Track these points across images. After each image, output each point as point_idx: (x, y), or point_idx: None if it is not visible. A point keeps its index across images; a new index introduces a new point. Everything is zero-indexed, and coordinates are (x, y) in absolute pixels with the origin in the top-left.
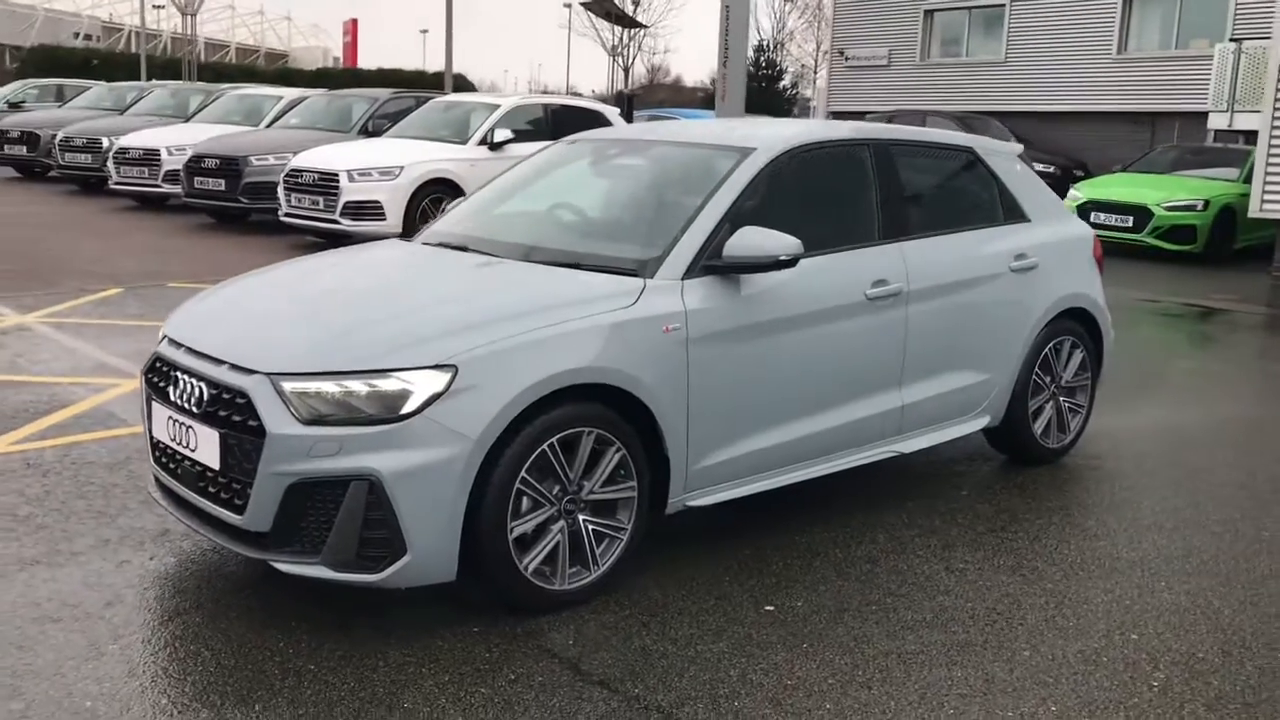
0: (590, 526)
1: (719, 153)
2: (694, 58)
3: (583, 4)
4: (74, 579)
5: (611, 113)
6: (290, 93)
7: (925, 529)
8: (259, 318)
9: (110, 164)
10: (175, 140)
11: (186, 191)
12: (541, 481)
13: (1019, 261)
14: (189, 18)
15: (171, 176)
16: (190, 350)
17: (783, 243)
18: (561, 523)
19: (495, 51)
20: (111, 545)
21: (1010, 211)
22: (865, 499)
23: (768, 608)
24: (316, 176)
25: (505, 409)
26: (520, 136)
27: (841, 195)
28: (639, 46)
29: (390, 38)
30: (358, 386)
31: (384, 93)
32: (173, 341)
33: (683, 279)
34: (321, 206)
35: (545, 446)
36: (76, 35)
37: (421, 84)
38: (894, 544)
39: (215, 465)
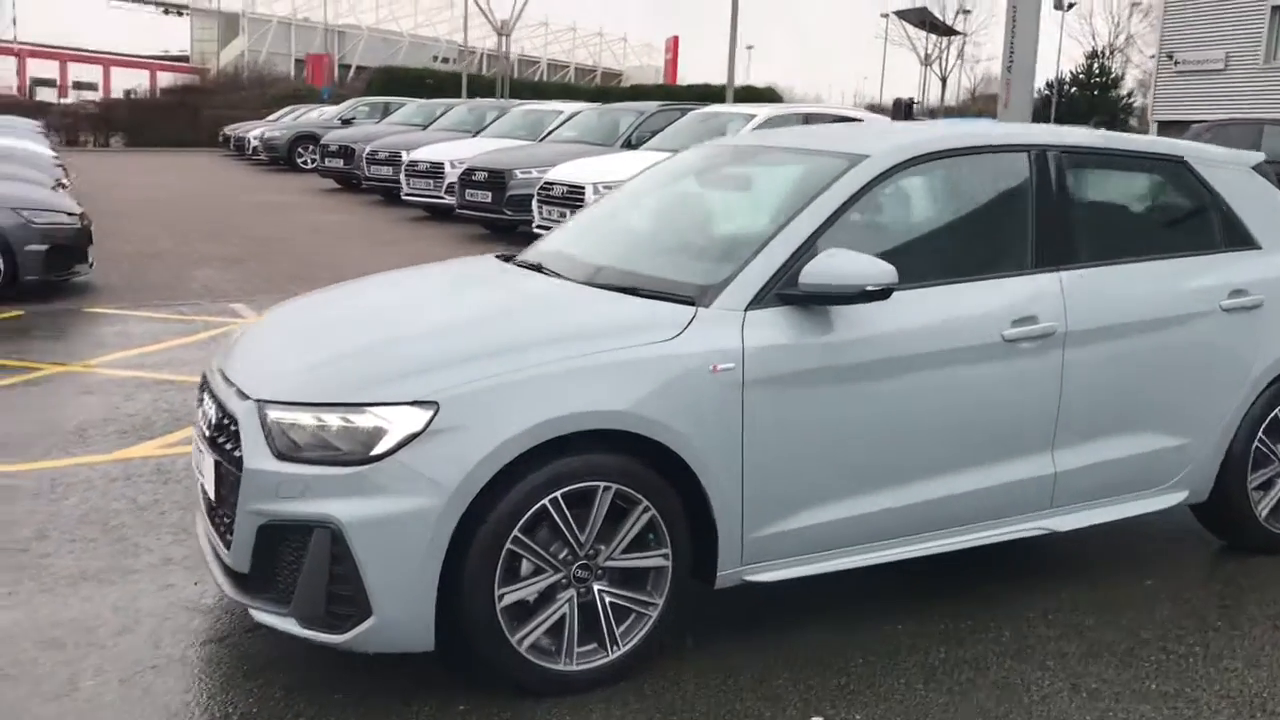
0: (608, 599)
1: (826, 160)
2: None
3: (897, 14)
4: (109, 600)
5: (870, 119)
6: (570, 107)
7: (1068, 629)
8: (288, 338)
9: (402, 176)
10: (457, 154)
11: (459, 203)
12: (543, 542)
13: (1236, 299)
14: (504, 38)
15: (452, 189)
16: (220, 371)
17: (872, 269)
18: (570, 592)
19: (822, 65)
20: (170, 566)
21: (1232, 236)
22: (1001, 579)
23: (816, 719)
24: (566, 190)
25: (492, 455)
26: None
27: (982, 213)
28: (959, 56)
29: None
30: (333, 421)
31: (651, 106)
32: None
33: (747, 309)
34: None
35: (547, 501)
36: (435, 58)
37: (745, 97)
38: (1017, 646)
39: (213, 495)
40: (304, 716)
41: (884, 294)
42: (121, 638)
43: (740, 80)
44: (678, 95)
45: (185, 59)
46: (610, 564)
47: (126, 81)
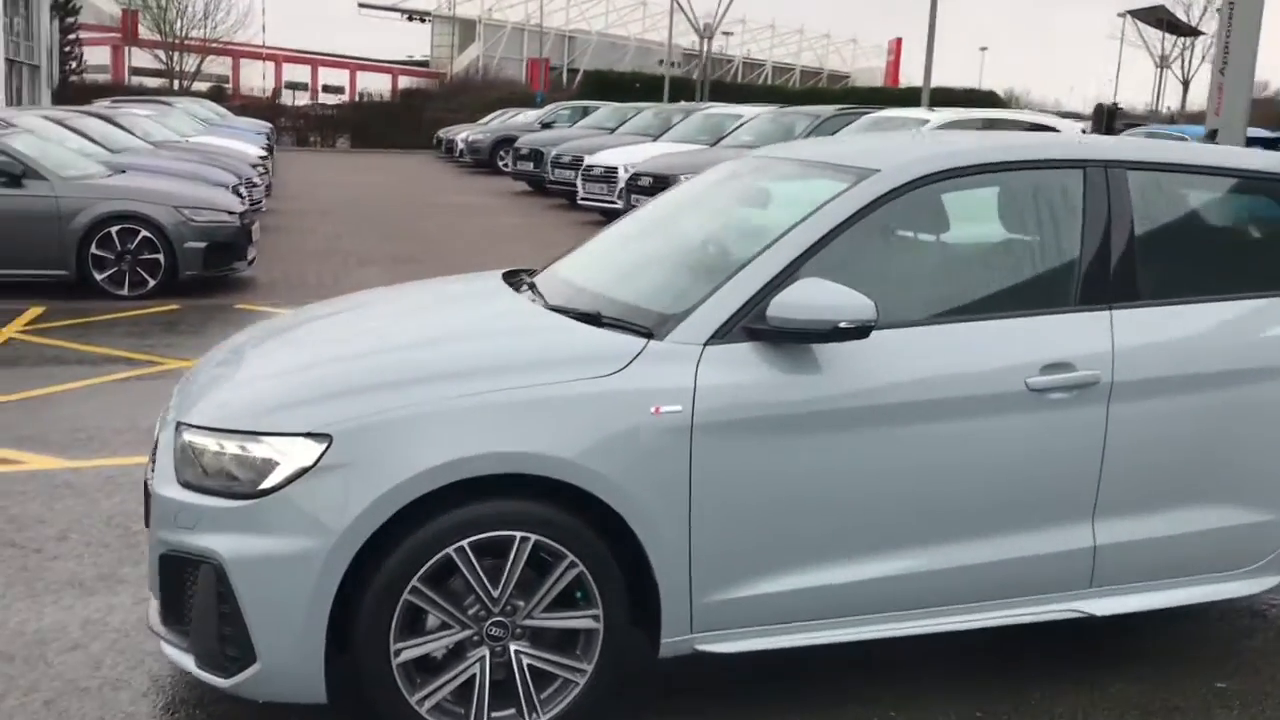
0: (526, 660)
1: (834, 176)
2: None
3: (1132, 13)
4: (84, 612)
5: (1068, 128)
6: (750, 111)
7: None
8: (243, 357)
9: (579, 180)
10: (632, 159)
11: (624, 206)
12: (450, 595)
13: None
14: (706, 40)
15: (624, 193)
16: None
17: (848, 303)
18: (483, 650)
19: (1063, 68)
20: None
21: None
22: (1036, 659)
23: None
24: None
25: (386, 497)
26: None
27: (1016, 239)
28: (1203, 58)
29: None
30: (232, 449)
31: (828, 110)
32: None
33: (707, 343)
34: None
35: (452, 550)
36: (660, 62)
37: (967, 101)
38: None
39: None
40: None
41: (861, 332)
42: (70, 654)
43: (972, 84)
44: (890, 98)
45: (425, 64)
46: (530, 623)
47: (371, 85)
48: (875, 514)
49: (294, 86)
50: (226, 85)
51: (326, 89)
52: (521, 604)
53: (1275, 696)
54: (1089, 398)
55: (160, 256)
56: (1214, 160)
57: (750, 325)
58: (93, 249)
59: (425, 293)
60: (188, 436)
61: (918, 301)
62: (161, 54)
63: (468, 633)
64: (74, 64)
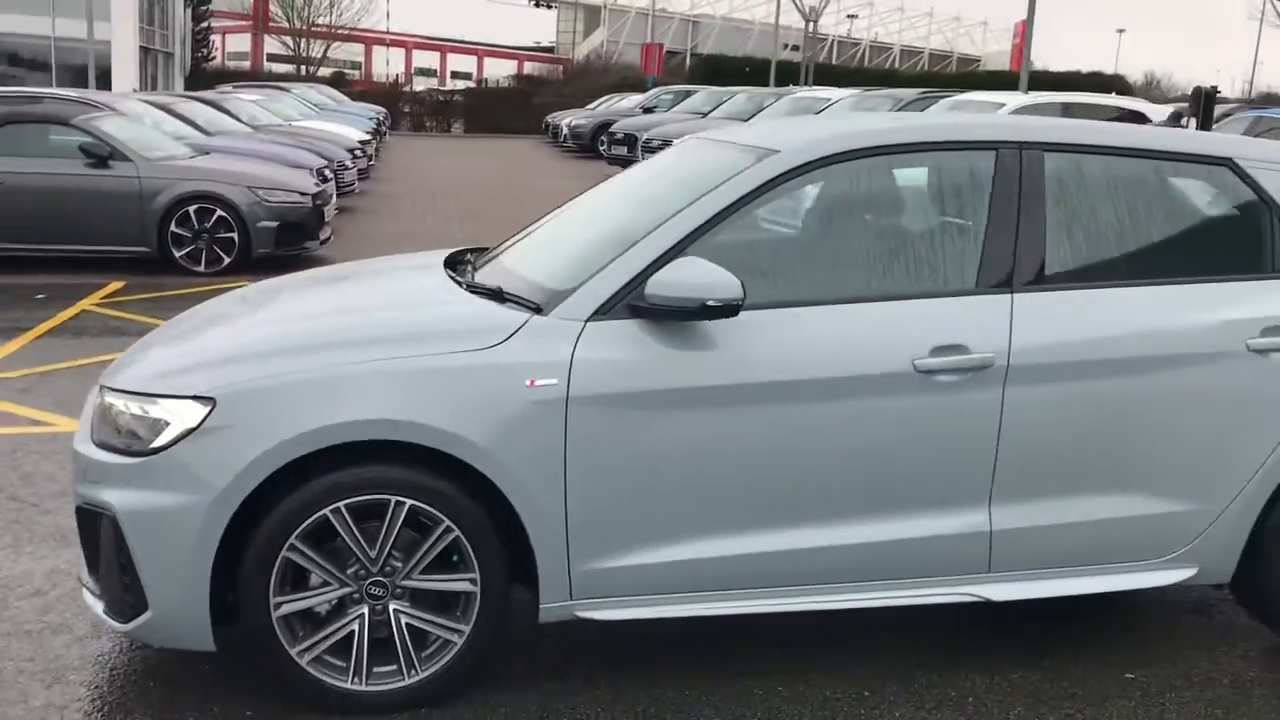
0: (404, 619)
1: (737, 156)
2: None
3: None
4: (53, 563)
5: (1156, 113)
6: (837, 94)
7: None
8: (191, 325)
9: None
10: None
11: None
12: (330, 555)
13: (1274, 338)
14: (812, 23)
15: None
16: None
17: (717, 282)
18: (363, 608)
19: (1208, 49)
20: None
21: None
22: (936, 642)
23: None
24: None
25: (263, 458)
26: None
27: (915, 222)
28: None
29: (1088, 38)
30: (134, 409)
31: (910, 93)
32: None
33: (589, 320)
34: None
35: (329, 511)
36: (785, 46)
37: (1089, 86)
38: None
39: None
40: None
41: (729, 310)
42: (29, 600)
43: (1109, 67)
44: (1007, 82)
45: (551, 50)
46: (409, 583)
47: (498, 71)
48: (756, 491)
49: (424, 73)
50: (357, 71)
51: (455, 75)
52: (400, 565)
53: (1181, 691)
54: (983, 381)
55: (235, 235)
56: (1139, 142)
57: (632, 303)
58: (172, 227)
59: (372, 268)
60: (106, 398)
61: (806, 282)
62: (289, 41)
63: (347, 590)
64: (205, 51)
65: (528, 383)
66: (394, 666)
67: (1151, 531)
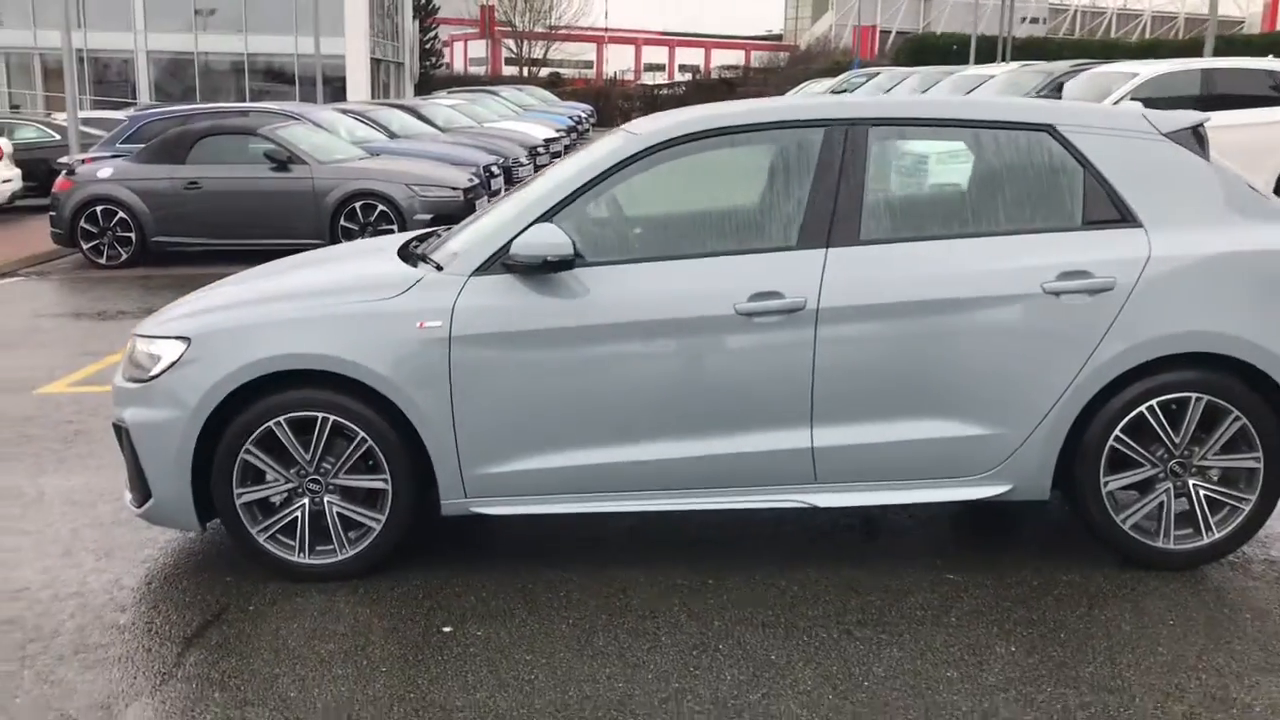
0: (335, 509)
1: (619, 140)
2: None
3: None
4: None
5: None
6: (997, 71)
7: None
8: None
9: None
10: None
11: None
12: (279, 458)
13: (1070, 281)
14: None
15: None
16: None
17: (552, 241)
18: (304, 500)
19: None
20: None
21: (1099, 212)
22: (768, 547)
23: (445, 629)
24: None
25: (221, 382)
26: (1163, 108)
27: (747, 191)
28: None
29: None
30: (144, 348)
31: (1062, 65)
32: None
33: (472, 275)
34: None
35: (272, 424)
36: (1024, 20)
37: None
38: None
39: None
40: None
41: (565, 265)
42: (112, 504)
43: None
44: (1257, 47)
45: (779, 37)
46: (338, 482)
47: (725, 62)
48: (610, 413)
49: (653, 68)
50: (589, 71)
51: (682, 68)
52: (330, 467)
53: (995, 589)
54: (796, 322)
55: (394, 227)
56: (964, 114)
57: (505, 261)
58: (342, 221)
59: (358, 244)
60: (132, 342)
61: (651, 242)
62: (511, 44)
63: (291, 486)
64: (434, 59)
65: (418, 325)
66: (330, 546)
67: (965, 452)
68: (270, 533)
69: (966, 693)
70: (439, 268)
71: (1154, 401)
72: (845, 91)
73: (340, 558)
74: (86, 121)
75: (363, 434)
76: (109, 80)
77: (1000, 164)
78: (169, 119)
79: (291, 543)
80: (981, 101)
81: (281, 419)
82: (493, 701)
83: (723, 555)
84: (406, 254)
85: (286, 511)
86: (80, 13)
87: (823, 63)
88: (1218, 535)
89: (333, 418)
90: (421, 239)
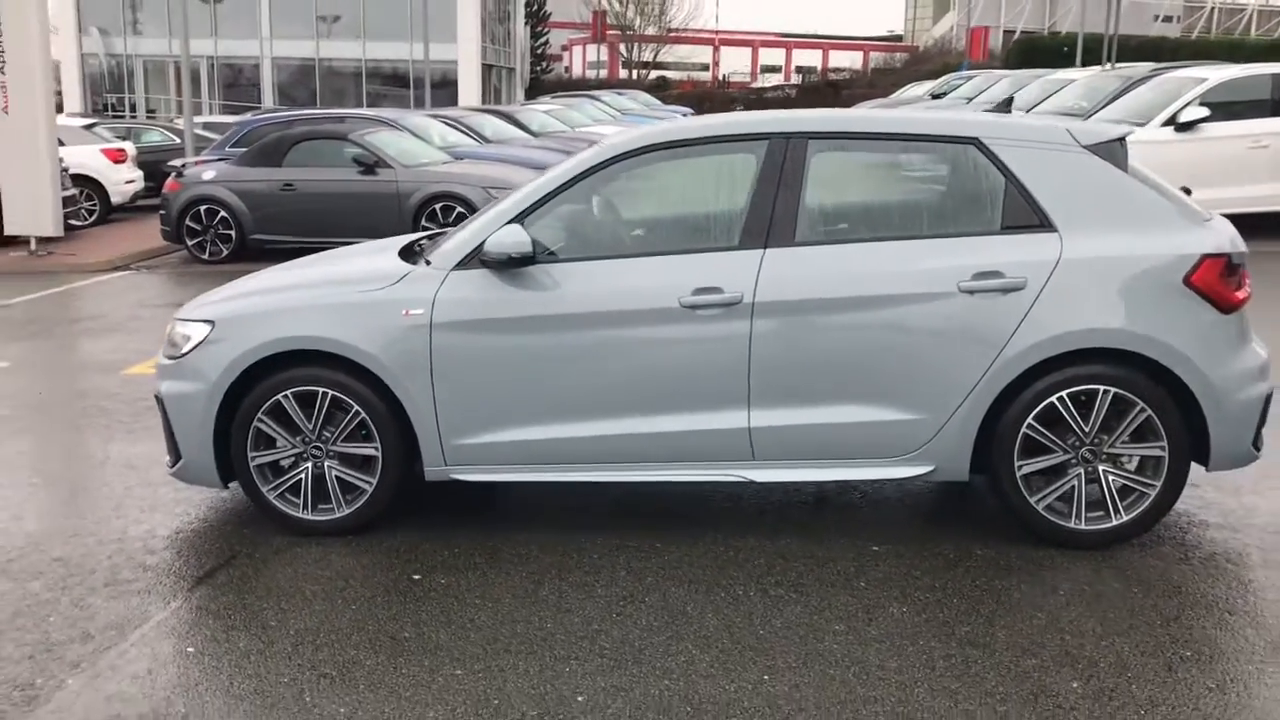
0: (334, 473)
1: (591, 149)
2: None
3: None
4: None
5: None
6: (1081, 75)
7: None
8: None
9: None
10: None
11: None
12: (287, 426)
13: (982, 281)
14: None
15: None
16: None
17: (512, 240)
18: (308, 464)
19: None
20: None
21: (1016, 218)
22: (725, 523)
23: (415, 576)
24: None
25: (238, 360)
26: (1233, 113)
27: (695, 198)
28: None
29: None
30: (179, 329)
31: (1142, 69)
32: None
33: (452, 269)
34: None
35: (280, 397)
36: (1156, 18)
37: None
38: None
39: None
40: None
41: (525, 261)
42: (126, 469)
43: None
44: None
45: (900, 38)
46: (336, 448)
47: (843, 63)
48: (572, 393)
49: (769, 70)
50: (705, 73)
51: (799, 70)
52: (330, 435)
53: (911, 559)
54: (734, 314)
55: None
56: (896, 128)
57: (480, 257)
58: (423, 221)
59: (372, 243)
60: (171, 325)
61: (609, 243)
62: (622, 48)
63: (296, 451)
64: (544, 64)
65: (404, 313)
66: (330, 505)
67: (889, 434)
68: (279, 491)
69: (847, 643)
70: (428, 263)
71: (1064, 393)
72: (944, 94)
73: (338, 515)
74: (208, 126)
75: (357, 407)
76: (239, 85)
77: (928, 174)
78: (272, 124)
79: (297, 501)
80: (915, 117)
81: (288, 393)
82: (437, 636)
83: (677, 524)
84: (410, 252)
85: (293, 474)
86: (213, 21)
87: (935, 64)
88: (1126, 518)
89: (331, 392)
90: (431, 238)
